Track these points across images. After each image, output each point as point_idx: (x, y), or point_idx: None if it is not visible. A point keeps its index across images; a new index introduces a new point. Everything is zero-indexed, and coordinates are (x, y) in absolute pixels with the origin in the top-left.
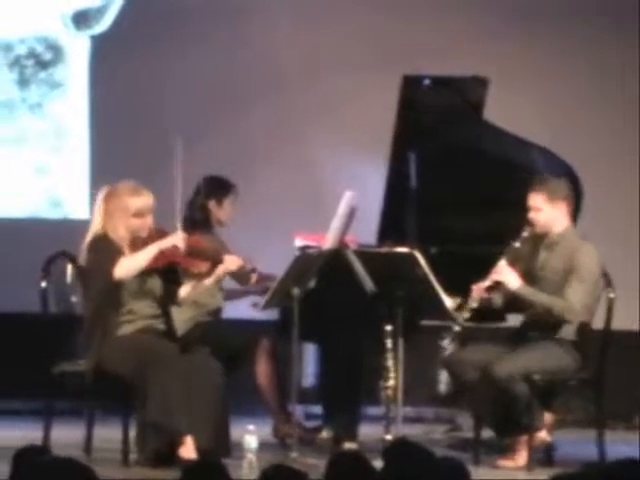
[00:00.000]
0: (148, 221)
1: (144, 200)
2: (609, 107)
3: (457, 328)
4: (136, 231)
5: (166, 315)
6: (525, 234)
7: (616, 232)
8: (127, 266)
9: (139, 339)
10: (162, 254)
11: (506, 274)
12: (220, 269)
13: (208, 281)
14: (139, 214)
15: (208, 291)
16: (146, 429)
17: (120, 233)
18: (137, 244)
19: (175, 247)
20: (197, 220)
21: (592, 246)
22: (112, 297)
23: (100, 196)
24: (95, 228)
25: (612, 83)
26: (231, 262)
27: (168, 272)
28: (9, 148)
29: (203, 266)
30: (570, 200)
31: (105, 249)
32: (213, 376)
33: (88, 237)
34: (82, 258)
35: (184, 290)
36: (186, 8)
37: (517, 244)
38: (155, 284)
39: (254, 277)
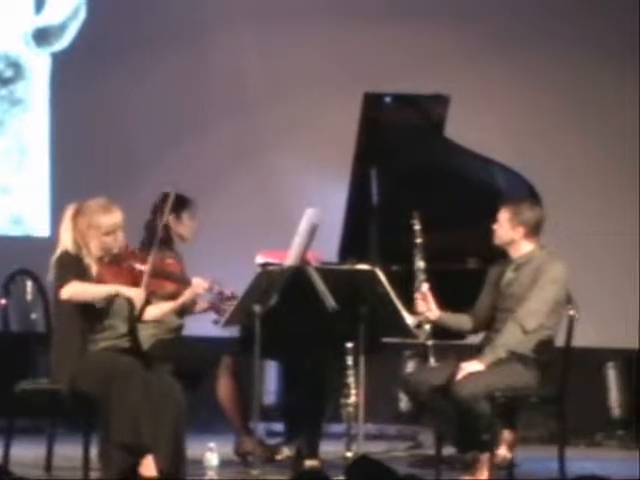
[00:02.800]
0: (119, 237)
1: (115, 217)
2: (572, 124)
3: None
4: (108, 248)
5: (132, 333)
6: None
7: (577, 249)
8: (74, 291)
9: (104, 356)
10: (127, 276)
11: (467, 368)
12: (187, 293)
13: (175, 304)
14: (110, 232)
15: (173, 312)
16: (110, 447)
17: (92, 251)
18: (107, 261)
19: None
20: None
21: (560, 262)
22: (82, 314)
23: (68, 213)
24: (63, 245)
25: (574, 99)
26: (197, 286)
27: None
28: None
29: (169, 288)
30: (531, 228)
31: (70, 267)
32: (174, 396)
33: (55, 254)
34: (50, 274)
35: (151, 310)
36: (148, 26)
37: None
38: (122, 303)
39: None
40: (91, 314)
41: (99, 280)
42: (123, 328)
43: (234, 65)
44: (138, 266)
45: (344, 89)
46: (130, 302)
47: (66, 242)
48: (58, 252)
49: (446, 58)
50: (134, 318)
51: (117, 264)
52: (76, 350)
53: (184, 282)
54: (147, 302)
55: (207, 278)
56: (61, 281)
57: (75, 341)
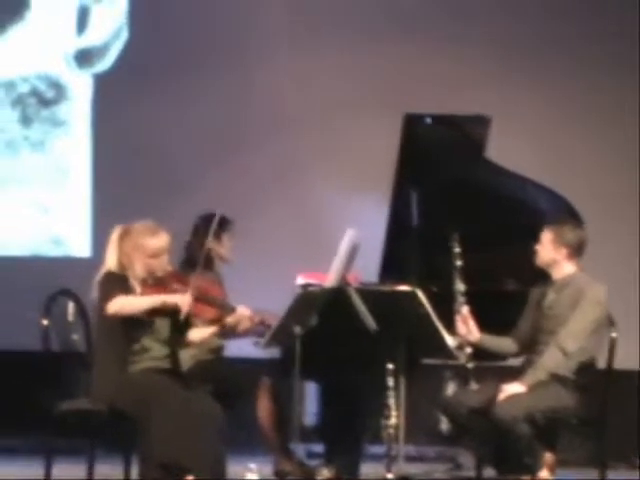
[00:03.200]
0: (164, 260)
1: (162, 241)
2: (608, 149)
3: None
4: (153, 271)
5: (173, 355)
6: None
7: (616, 272)
8: (122, 304)
9: (143, 376)
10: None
11: (508, 390)
12: (230, 320)
13: (216, 330)
14: (156, 254)
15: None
16: (150, 467)
17: (137, 272)
18: (150, 283)
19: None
20: (197, 260)
21: (601, 285)
22: (124, 334)
23: (115, 234)
24: (108, 265)
25: (611, 125)
26: (240, 314)
27: (177, 314)
28: (12, 186)
29: (211, 313)
30: (574, 249)
31: (115, 284)
32: (213, 415)
33: (99, 273)
34: (94, 293)
35: (193, 334)
36: (190, 47)
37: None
38: (163, 325)
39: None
40: (133, 334)
41: None
42: (163, 350)
43: (274, 88)
44: (181, 289)
45: (384, 110)
46: (176, 312)
47: (111, 263)
48: (102, 272)
49: (481, 80)
50: (180, 331)
51: (161, 286)
52: (116, 370)
53: (227, 308)
54: (190, 325)
55: (250, 306)
56: (106, 298)
57: (116, 361)
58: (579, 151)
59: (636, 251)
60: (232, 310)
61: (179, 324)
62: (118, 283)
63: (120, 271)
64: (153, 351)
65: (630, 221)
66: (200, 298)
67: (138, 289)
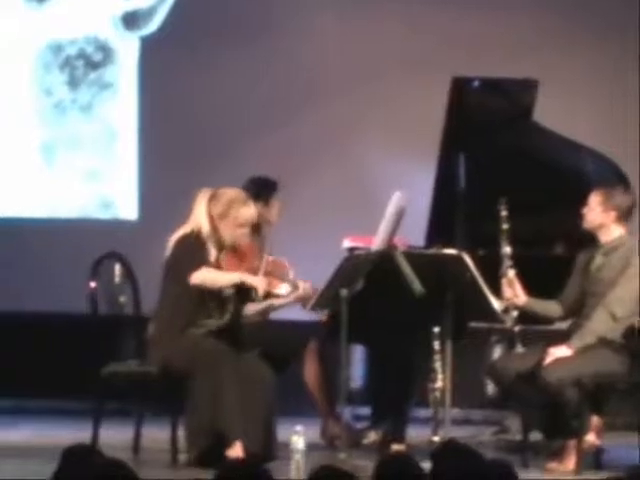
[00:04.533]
0: (247, 232)
1: (252, 211)
2: None
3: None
4: (239, 239)
5: (235, 324)
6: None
7: None
8: (203, 278)
9: (197, 338)
10: (245, 270)
11: (555, 354)
12: (293, 295)
13: (279, 303)
14: (245, 224)
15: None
16: (197, 430)
17: (225, 239)
18: (232, 253)
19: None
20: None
21: None
22: (192, 299)
23: (203, 197)
24: (195, 226)
25: None
26: (306, 292)
27: (249, 290)
28: (60, 149)
29: (278, 287)
30: (623, 212)
31: (197, 250)
32: (264, 379)
33: (180, 233)
34: (168, 250)
35: (254, 307)
36: (235, 11)
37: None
38: (229, 294)
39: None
40: (204, 301)
41: (217, 268)
42: (225, 317)
43: (316, 51)
44: (256, 263)
45: (431, 73)
46: (255, 289)
47: (200, 223)
48: (185, 231)
49: (533, 43)
50: (243, 304)
51: (238, 258)
52: (177, 331)
53: (293, 285)
54: (252, 298)
55: (308, 282)
56: (190, 263)
57: (178, 322)
58: (631, 115)
59: None
60: (296, 287)
61: (246, 297)
62: (200, 248)
63: (207, 234)
64: (216, 318)
65: None
66: (272, 273)
67: (213, 255)
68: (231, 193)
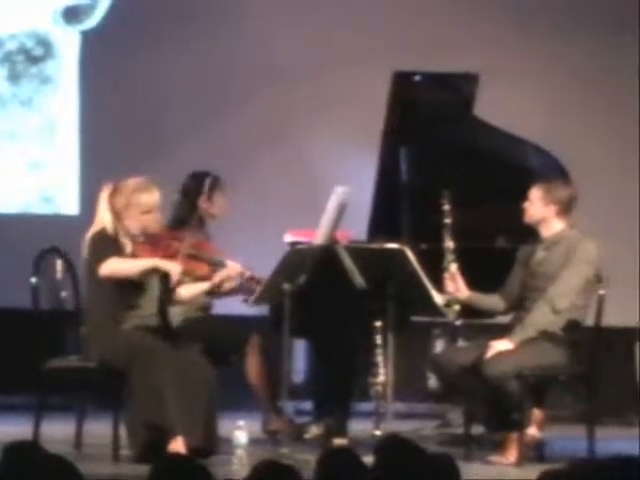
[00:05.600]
0: (157, 216)
1: (155, 196)
2: (606, 104)
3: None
4: (146, 227)
5: (162, 313)
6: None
7: (612, 229)
8: (113, 267)
9: (131, 334)
10: (162, 255)
11: (497, 347)
12: (220, 275)
13: (207, 285)
14: (150, 210)
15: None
16: (137, 426)
17: (129, 230)
18: (143, 240)
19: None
20: (188, 219)
21: (593, 242)
22: (114, 292)
23: (105, 192)
24: (99, 223)
25: (611, 80)
26: (231, 269)
27: (167, 277)
28: (0, 143)
29: (202, 269)
30: (563, 206)
31: (107, 245)
32: (204, 373)
33: (90, 231)
34: (84, 251)
35: (184, 291)
36: (179, 4)
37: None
38: (153, 283)
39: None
40: (123, 292)
41: (134, 258)
42: (153, 307)
43: (264, 43)
44: (174, 245)
45: (373, 67)
46: (167, 275)
47: (103, 220)
48: (94, 230)
49: (476, 36)
50: (167, 292)
51: (153, 243)
52: (107, 327)
53: (218, 264)
54: (179, 282)
55: (239, 261)
56: (98, 258)
57: (106, 318)
58: (574, 108)
59: (636, 208)
60: (222, 266)
61: (168, 284)
62: (109, 243)
63: (112, 229)
64: (143, 309)
65: (631, 176)
66: (191, 255)
67: (129, 247)
68: (131, 183)
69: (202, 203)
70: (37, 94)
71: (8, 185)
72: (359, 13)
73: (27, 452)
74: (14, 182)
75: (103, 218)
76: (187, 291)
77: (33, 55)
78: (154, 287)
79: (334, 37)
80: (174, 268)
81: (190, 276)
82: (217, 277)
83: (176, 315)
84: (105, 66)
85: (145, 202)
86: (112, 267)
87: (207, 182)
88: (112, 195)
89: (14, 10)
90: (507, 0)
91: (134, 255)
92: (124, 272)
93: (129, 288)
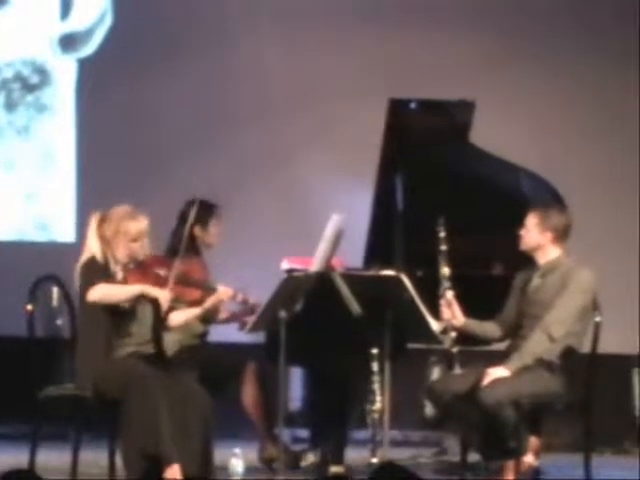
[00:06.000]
0: (145, 244)
1: (142, 224)
2: (600, 130)
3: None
4: (134, 255)
5: (156, 339)
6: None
7: (609, 257)
8: (101, 293)
9: (125, 362)
10: (153, 283)
11: (493, 374)
12: (212, 299)
13: (199, 310)
14: (137, 238)
15: (197, 318)
16: (133, 455)
17: (118, 257)
18: (132, 267)
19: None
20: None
21: (588, 270)
22: (106, 320)
23: (93, 220)
24: (88, 252)
25: (602, 105)
26: (222, 293)
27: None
28: None
29: (193, 294)
30: (559, 233)
31: (96, 272)
32: (200, 401)
33: (81, 260)
34: (76, 281)
35: (175, 316)
36: (173, 33)
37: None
38: (146, 310)
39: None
40: (116, 320)
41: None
42: (147, 334)
43: (259, 72)
44: (163, 272)
45: (368, 95)
46: (155, 302)
47: (92, 249)
48: (84, 259)
49: (472, 64)
50: (159, 319)
51: (142, 270)
52: (100, 355)
53: (209, 289)
54: (171, 308)
55: (232, 286)
56: (88, 285)
57: (99, 346)
58: (570, 137)
59: (633, 233)
60: (213, 290)
61: (160, 311)
62: (99, 271)
63: (101, 257)
64: (136, 336)
65: (625, 201)
66: (181, 281)
67: (120, 275)
68: (119, 211)
69: (196, 231)
70: (33, 122)
71: (4, 212)
72: (352, 42)
73: None
74: (10, 210)
75: (92, 247)
76: (178, 317)
77: (29, 83)
78: (146, 314)
79: (328, 65)
80: (162, 295)
81: (181, 302)
82: (209, 301)
83: (172, 343)
84: (101, 94)
85: (133, 230)
86: (100, 292)
87: (196, 208)
88: (100, 223)
89: (10, 38)
90: (500, 27)
91: (125, 282)
92: (112, 298)
93: (122, 316)
